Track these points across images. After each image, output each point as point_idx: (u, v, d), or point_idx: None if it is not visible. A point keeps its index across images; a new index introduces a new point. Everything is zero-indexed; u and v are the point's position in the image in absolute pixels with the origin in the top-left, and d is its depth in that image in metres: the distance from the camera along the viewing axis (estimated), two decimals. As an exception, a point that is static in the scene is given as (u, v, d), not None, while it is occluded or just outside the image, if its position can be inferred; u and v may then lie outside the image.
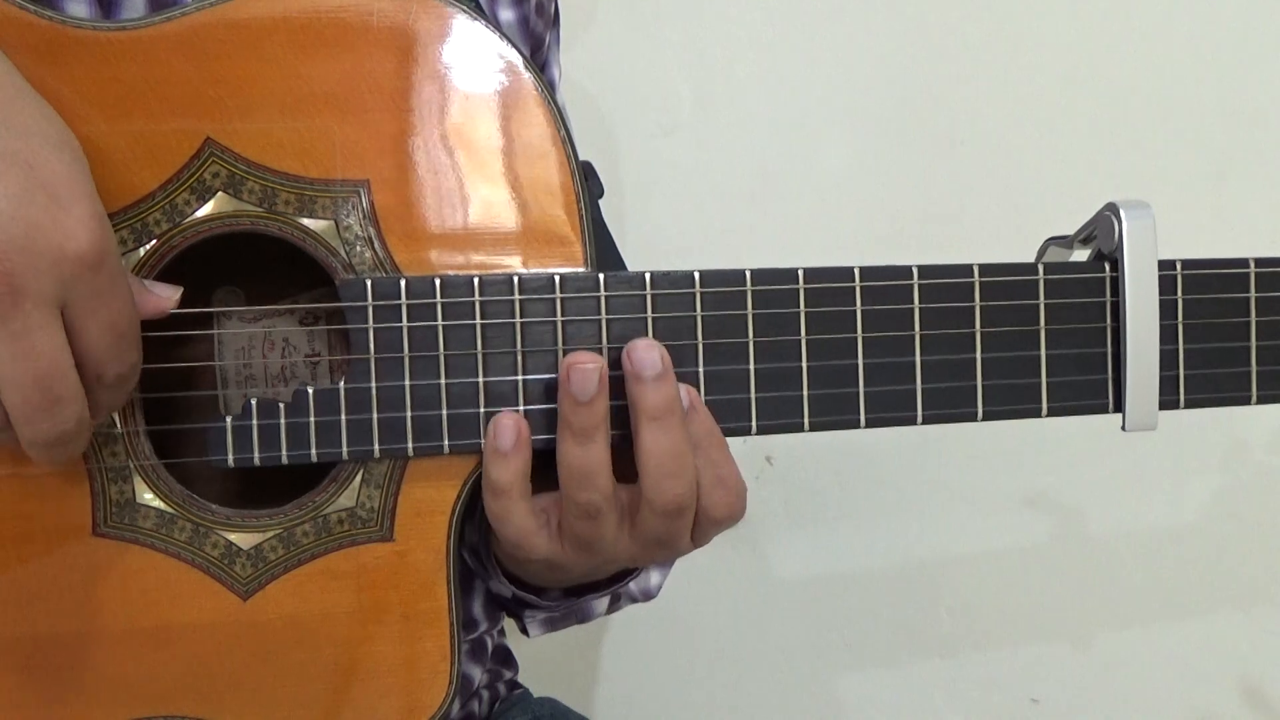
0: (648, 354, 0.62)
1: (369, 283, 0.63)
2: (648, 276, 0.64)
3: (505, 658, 0.96)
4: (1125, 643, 1.39)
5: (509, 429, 0.62)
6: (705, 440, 0.64)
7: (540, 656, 1.27)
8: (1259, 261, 0.70)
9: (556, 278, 0.64)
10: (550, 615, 0.84)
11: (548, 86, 0.65)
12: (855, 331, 0.66)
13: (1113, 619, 1.39)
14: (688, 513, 0.63)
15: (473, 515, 0.77)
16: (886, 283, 0.66)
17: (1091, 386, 0.68)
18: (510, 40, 0.65)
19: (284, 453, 0.63)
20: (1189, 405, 0.69)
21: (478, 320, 0.63)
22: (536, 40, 0.90)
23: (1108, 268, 0.68)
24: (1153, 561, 1.38)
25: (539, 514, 0.64)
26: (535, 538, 0.64)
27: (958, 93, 1.30)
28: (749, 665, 1.37)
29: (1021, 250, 0.75)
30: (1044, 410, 0.68)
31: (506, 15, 0.86)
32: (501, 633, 0.95)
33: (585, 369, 0.61)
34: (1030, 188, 1.30)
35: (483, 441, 0.64)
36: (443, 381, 0.63)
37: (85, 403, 0.56)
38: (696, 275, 0.64)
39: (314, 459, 0.63)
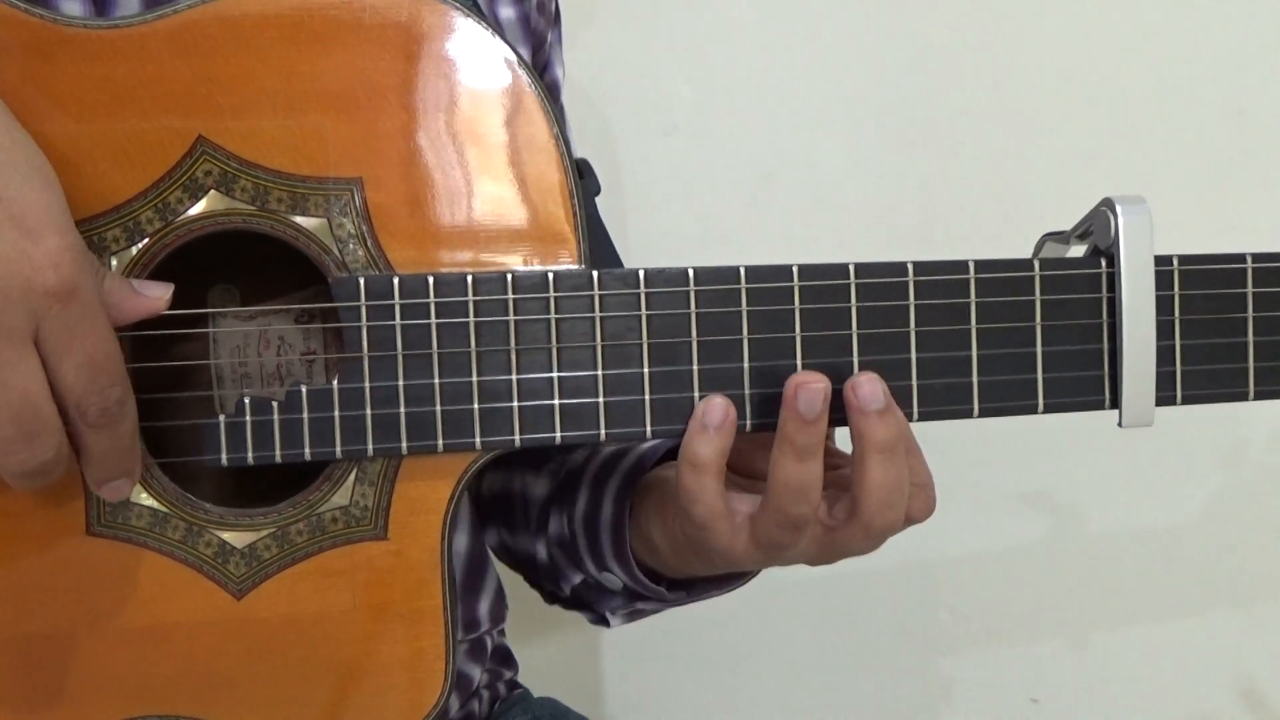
0: (871, 387, 0.61)
1: (362, 281, 0.63)
2: (641, 274, 0.64)
3: (505, 658, 0.96)
4: (1125, 643, 1.39)
5: (719, 407, 0.63)
6: (908, 447, 0.65)
7: (540, 656, 1.27)
8: (1256, 256, 0.69)
9: (550, 275, 0.63)
10: (651, 608, 0.84)
11: (541, 83, 0.65)
12: (850, 328, 0.65)
13: (1113, 619, 1.39)
14: (891, 532, 0.65)
15: (511, 511, 0.75)
16: (882, 279, 0.65)
17: (1088, 383, 0.68)
18: (504, 37, 0.65)
19: (278, 452, 0.62)
20: (1186, 401, 0.68)
21: (471, 318, 0.63)
22: (538, 38, 0.89)
23: (1104, 263, 0.68)
24: (1153, 561, 1.38)
25: (727, 499, 0.65)
26: (722, 521, 0.64)
27: (958, 92, 1.30)
28: (749, 665, 1.36)
29: (1022, 250, 0.74)
30: (1040, 407, 0.67)
31: (507, 13, 0.86)
32: (502, 633, 0.95)
33: (814, 388, 0.61)
34: (1030, 188, 1.30)
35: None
36: (436, 380, 0.63)
37: (64, 434, 0.55)
38: (690, 272, 0.64)
39: (308, 458, 0.63)
